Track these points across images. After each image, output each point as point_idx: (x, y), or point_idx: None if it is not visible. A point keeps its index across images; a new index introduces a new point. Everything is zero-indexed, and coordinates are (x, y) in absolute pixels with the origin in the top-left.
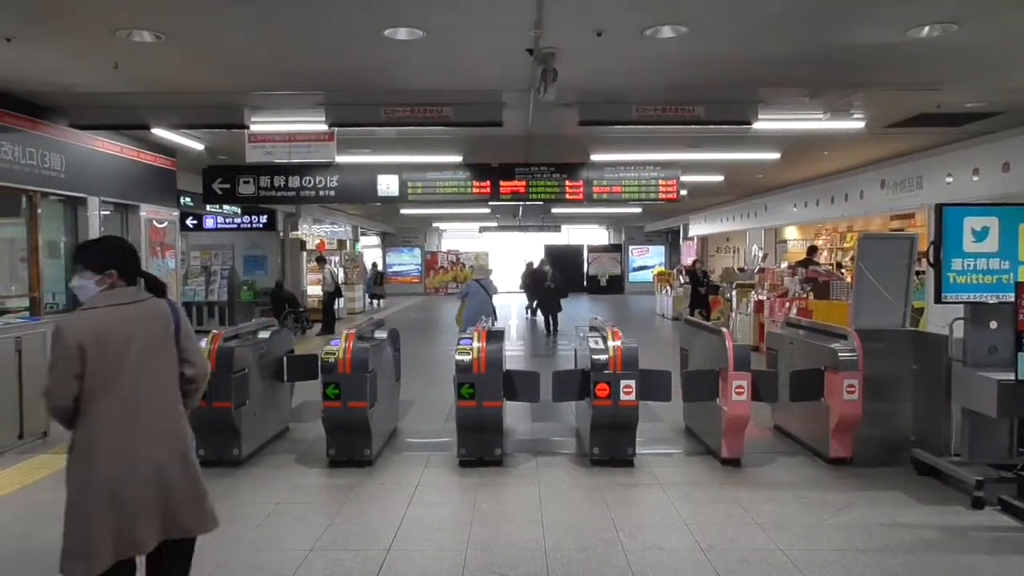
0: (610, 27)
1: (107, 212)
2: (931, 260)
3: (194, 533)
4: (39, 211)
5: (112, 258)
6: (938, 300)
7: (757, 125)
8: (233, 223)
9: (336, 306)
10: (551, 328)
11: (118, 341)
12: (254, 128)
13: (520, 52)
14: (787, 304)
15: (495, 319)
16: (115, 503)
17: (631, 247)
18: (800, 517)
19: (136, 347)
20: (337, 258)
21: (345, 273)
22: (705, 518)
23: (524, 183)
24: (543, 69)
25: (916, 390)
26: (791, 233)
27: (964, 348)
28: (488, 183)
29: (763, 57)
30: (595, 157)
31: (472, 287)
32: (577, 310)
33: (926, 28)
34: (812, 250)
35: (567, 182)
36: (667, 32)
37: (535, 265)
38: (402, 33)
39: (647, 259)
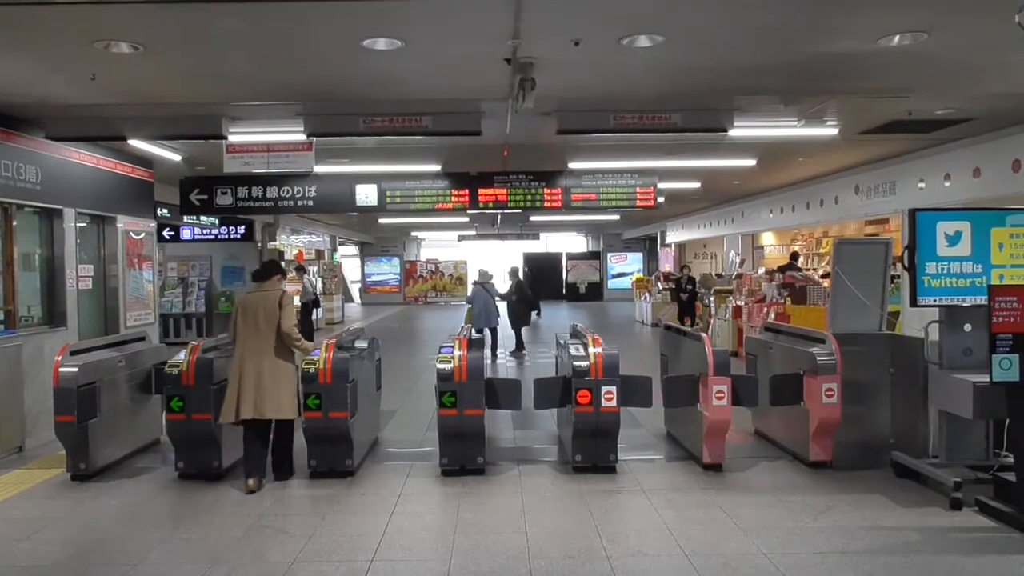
0: (587, 37)
1: (83, 224)
2: (906, 264)
3: (267, 415)
4: (14, 223)
5: (259, 272)
6: (913, 303)
7: (733, 132)
8: (211, 234)
9: (315, 316)
10: (517, 344)
11: (252, 308)
12: (232, 139)
13: (498, 62)
14: (765, 309)
15: (499, 317)
16: (238, 387)
17: (609, 254)
18: (782, 521)
19: (258, 313)
20: (316, 268)
21: (323, 283)
22: (688, 523)
23: (503, 191)
24: (521, 78)
25: (894, 393)
26: (768, 239)
27: (940, 351)
28: (467, 191)
29: (738, 66)
30: (573, 165)
31: (477, 291)
32: (556, 318)
33: (897, 37)
34: (794, 256)
35: (545, 190)
36: (644, 41)
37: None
38: (381, 43)
39: (626, 266)
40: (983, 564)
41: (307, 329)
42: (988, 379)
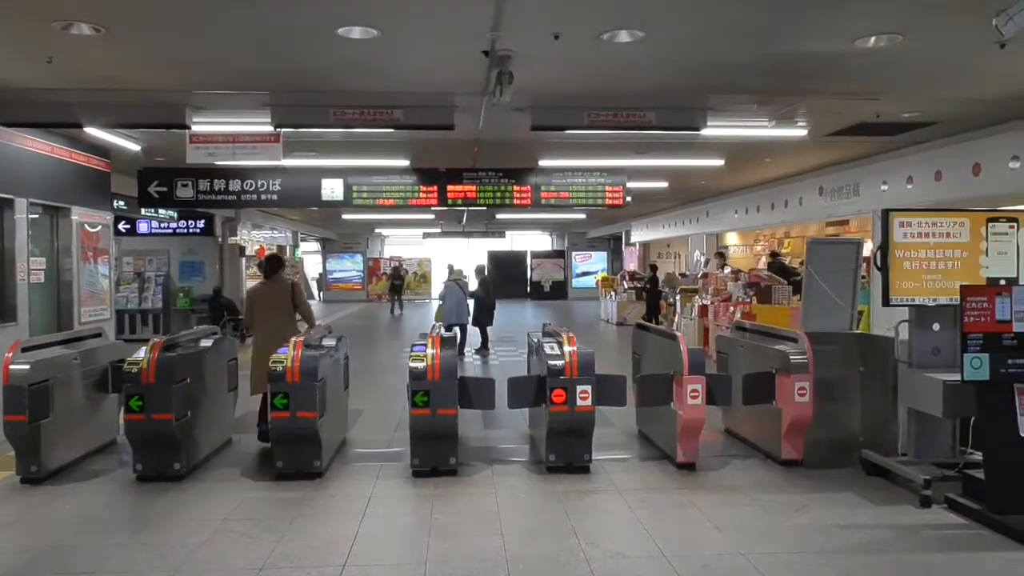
0: (568, 30)
1: (36, 215)
2: (878, 264)
3: None
4: None
5: (266, 267)
6: (886, 303)
7: (706, 132)
8: (169, 228)
9: None
10: (483, 342)
11: (266, 298)
12: (196, 128)
13: (476, 54)
14: (731, 308)
15: (469, 315)
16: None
17: (574, 253)
18: (758, 520)
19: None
20: None
21: None
22: (665, 523)
23: (472, 188)
24: (499, 72)
25: (864, 392)
26: (732, 239)
27: (909, 350)
28: (435, 188)
29: (716, 63)
30: (543, 163)
31: (449, 287)
32: (521, 316)
33: (873, 39)
34: (774, 254)
35: (515, 187)
36: (624, 36)
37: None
38: (356, 32)
39: (590, 265)
40: (957, 562)
41: None
42: (957, 378)
